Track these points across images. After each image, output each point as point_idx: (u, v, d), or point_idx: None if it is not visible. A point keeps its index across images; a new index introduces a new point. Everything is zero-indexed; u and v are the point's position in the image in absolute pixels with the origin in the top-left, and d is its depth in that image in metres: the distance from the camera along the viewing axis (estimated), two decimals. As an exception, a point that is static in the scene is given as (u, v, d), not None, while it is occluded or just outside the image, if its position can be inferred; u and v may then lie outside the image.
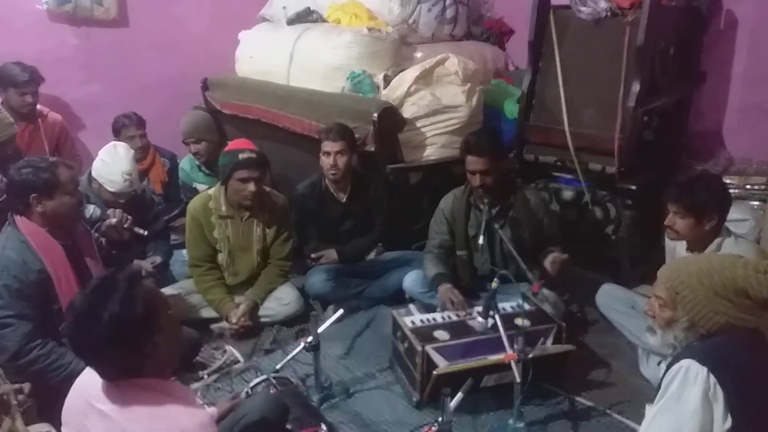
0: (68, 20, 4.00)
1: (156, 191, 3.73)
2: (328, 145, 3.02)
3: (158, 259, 3.02)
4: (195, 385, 2.47)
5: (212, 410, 1.87)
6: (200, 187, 3.67)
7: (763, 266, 1.53)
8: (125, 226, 2.56)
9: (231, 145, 3.03)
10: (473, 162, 2.71)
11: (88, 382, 1.43)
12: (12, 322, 2.06)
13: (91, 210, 2.55)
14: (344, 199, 3.18)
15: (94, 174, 2.88)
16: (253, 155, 2.87)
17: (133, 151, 3.04)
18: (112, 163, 2.85)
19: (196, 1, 4.40)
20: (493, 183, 2.73)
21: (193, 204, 2.98)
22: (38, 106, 3.73)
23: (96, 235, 2.45)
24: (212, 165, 3.57)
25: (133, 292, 1.35)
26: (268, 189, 3.09)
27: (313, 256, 3.17)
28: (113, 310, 1.31)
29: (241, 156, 2.84)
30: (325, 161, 3.05)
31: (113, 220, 2.51)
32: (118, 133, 3.64)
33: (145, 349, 1.35)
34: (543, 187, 3.38)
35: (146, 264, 2.90)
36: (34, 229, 2.15)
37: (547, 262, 2.65)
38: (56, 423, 1.53)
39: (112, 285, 1.35)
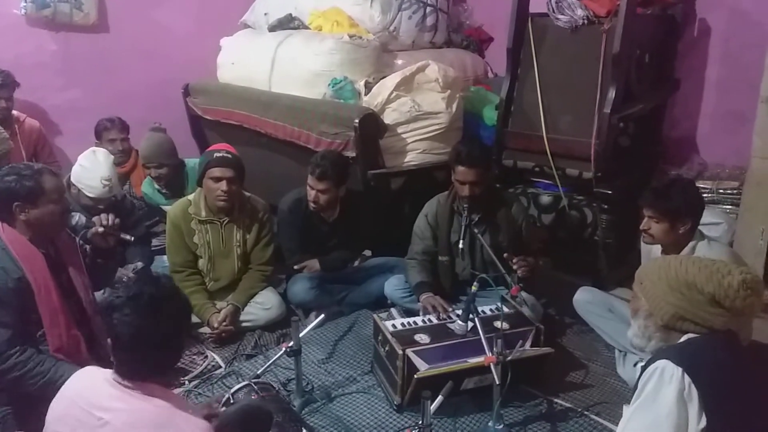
0: (47, 25, 3.97)
1: (137, 195, 3.70)
2: (311, 180, 2.94)
3: (140, 265, 3.00)
4: (176, 391, 2.45)
5: None
6: (165, 207, 3.44)
7: (726, 269, 1.55)
8: (112, 226, 2.46)
9: (210, 147, 3.02)
10: (464, 173, 2.68)
11: (84, 391, 1.48)
12: (-10, 330, 2.02)
13: (77, 218, 2.50)
14: (331, 220, 3.14)
15: (72, 179, 2.86)
16: (228, 155, 2.86)
17: (112, 156, 3.02)
18: (91, 169, 2.84)
19: (177, 7, 4.39)
20: (481, 193, 2.74)
21: (173, 209, 2.96)
22: (15, 112, 3.69)
23: (81, 242, 2.41)
24: (172, 185, 3.47)
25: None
26: (248, 194, 3.09)
27: (296, 267, 3.14)
28: (171, 312, 1.47)
29: (215, 155, 2.85)
30: (309, 192, 2.98)
31: (100, 229, 2.44)
32: (99, 136, 3.62)
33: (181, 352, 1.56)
34: (521, 192, 3.43)
35: (128, 272, 2.89)
36: (15, 237, 2.11)
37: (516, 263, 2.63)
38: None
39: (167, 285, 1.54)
